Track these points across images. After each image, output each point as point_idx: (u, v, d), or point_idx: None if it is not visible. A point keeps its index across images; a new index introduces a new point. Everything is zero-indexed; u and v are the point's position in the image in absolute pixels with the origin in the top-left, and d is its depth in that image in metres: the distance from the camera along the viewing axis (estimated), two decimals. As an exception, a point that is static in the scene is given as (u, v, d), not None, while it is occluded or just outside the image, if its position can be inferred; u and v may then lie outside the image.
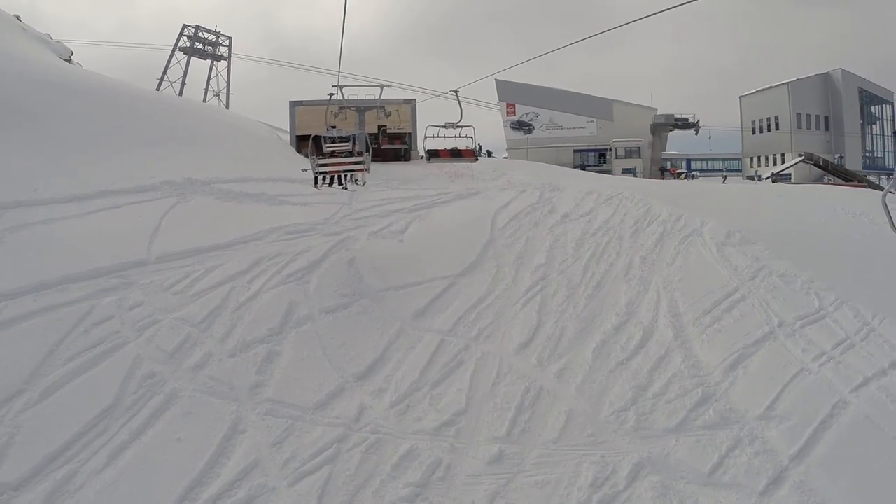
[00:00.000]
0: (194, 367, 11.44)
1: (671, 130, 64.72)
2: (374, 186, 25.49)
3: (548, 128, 66.26)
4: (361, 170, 18.32)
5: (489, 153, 60.21)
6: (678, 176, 59.56)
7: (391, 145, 40.75)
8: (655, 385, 11.77)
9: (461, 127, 16.87)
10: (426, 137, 16.93)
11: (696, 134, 63.52)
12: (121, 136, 24.75)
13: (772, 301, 14.58)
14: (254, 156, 29.67)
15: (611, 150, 64.06)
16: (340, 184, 19.41)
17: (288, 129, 41.24)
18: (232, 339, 12.35)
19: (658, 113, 64.36)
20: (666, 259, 16.92)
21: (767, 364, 12.32)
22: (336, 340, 12.83)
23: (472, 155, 17.55)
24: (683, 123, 62.59)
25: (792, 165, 59.81)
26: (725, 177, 57.30)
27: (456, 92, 16.92)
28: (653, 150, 62.85)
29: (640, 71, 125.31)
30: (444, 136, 16.79)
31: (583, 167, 58.70)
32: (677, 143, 70.22)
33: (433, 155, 17.33)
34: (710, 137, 68.78)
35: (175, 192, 20.47)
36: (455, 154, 17.38)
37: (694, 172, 65.27)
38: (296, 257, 16.11)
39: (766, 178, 57.00)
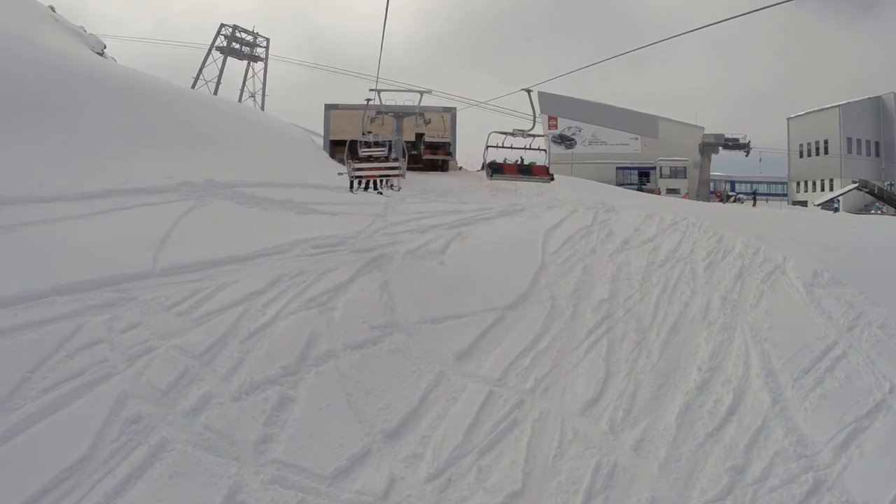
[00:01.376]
0: (189, 412, 9.32)
1: (719, 151, 61.82)
2: (411, 198, 23.69)
3: (590, 143, 63.66)
4: (397, 175, 18.11)
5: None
6: (726, 199, 56.57)
7: (433, 156, 39.13)
8: (755, 466, 9.42)
9: (533, 136, 14.20)
10: (487, 147, 13.91)
11: (747, 155, 60.52)
12: (145, 132, 23.30)
13: (877, 359, 12.09)
14: (284, 159, 28.07)
15: (655, 168, 61.54)
16: (376, 188, 19.34)
17: (322, 133, 39.89)
18: (238, 377, 10.20)
19: (707, 132, 61.61)
20: (749, 300, 14.47)
21: (885, 443, 9.88)
22: (362, 385, 10.61)
23: (545, 173, 14.47)
24: (734, 144, 59.52)
25: (846, 192, 56.84)
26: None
27: (528, 91, 13.88)
28: (701, 170, 59.87)
29: (680, 88, 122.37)
30: (512, 147, 14.23)
31: (639, 187, 56.01)
32: (720, 164, 67.50)
33: (496, 170, 14.24)
34: (760, 160, 66.02)
35: (193, 194, 18.66)
36: (524, 171, 14.47)
37: (739, 195, 62.28)
38: (320, 277, 13.99)
39: (817, 206, 53.99)
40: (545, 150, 14.19)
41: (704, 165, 59.81)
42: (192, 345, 10.75)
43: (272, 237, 15.99)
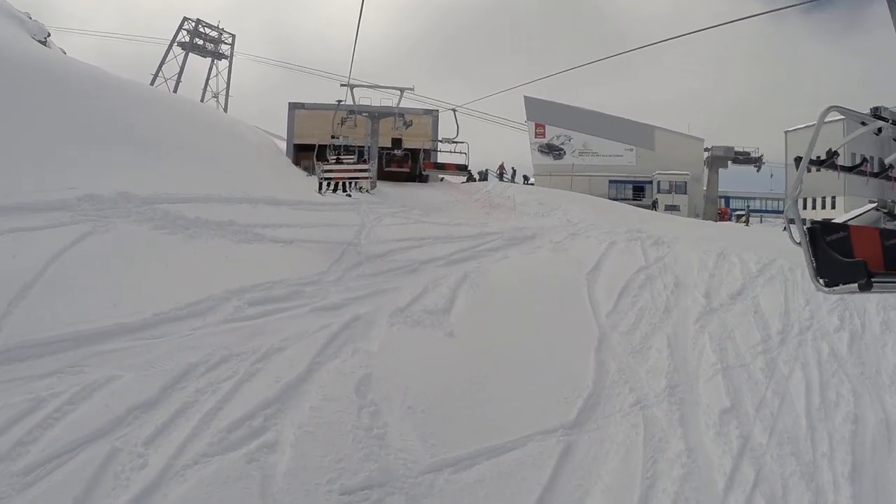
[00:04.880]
0: None
1: (728, 165, 56.28)
2: (389, 217, 18.80)
3: (581, 153, 58.00)
4: (366, 178, 20.66)
5: (526, 179, 52.11)
6: (738, 219, 51.11)
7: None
8: None
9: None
10: (804, 174, 6.21)
11: (758, 171, 54.99)
12: (73, 130, 18.15)
13: None
14: (237, 166, 23.03)
15: (652, 183, 56.24)
16: (345, 191, 20.85)
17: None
18: None
19: (715, 145, 56.18)
20: (944, 405, 9.13)
21: None
22: None
23: None
24: (745, 158, 54.07)
25: (863, 213, 51.94)
26: None
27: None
28: (708, 186, 54.23)
29: (658, 100, 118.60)
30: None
31: (649, 204, 49.96)
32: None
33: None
34: (771, 176, 60.87)
35: (96, 213, 13.17)
36: None
37: (741, 214, 57.11)
38: (257, 368, 8.27)
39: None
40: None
41: (712, 181, 53.93)
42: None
43: (192, 285, 10.51)
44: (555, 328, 11.08)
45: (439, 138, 31.44)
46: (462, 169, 31.96)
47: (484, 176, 44.62)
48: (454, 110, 29.51)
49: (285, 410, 7.40)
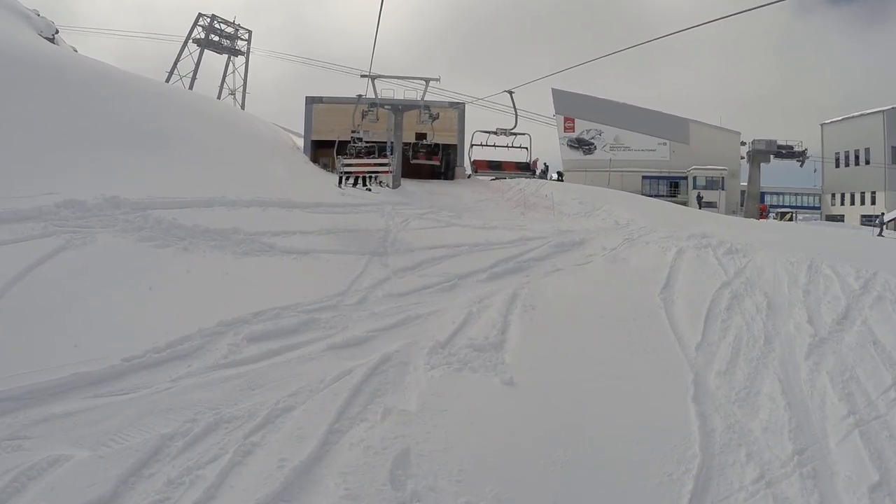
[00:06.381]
0: None
1: (770, 160, 53.02)
2: (417, 219, 16.85)
3: (612, 148, 55.92)
4: (387, 171, 20.84)
5: (561, 175, 49.30)
6: (781, 217, 48.21)
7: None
8: None
9: None
10: None
11: (802, 165, 51.82)
12: (63, 127, 16.68)
13: None
14: (248, 165, 21.25)
15: (688, 178, 53.77)
16: (365, 185, 21.15)
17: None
18: None
19: (756, 139, 53.07)
20: None
21: None
22: None
23: None
24: (788, 152, 51.04)
25: (916, 210, 48.87)
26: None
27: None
28: (750, 182, 50.84)
29: (683, 90, 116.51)
30: None
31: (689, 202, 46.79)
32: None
33: None
34: (815, 171, 58.24)
35: (75, 222, 11.28)
36: None
37: (784, 210, 54.34)
38: (254, 442, 6.03)
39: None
40: None
41: (754, 176, 50.47)
42: None
43: (179, 315, 8.53)
44: (636, 368, 8.82)
45: (494, 130, 26.03)
46: (525, 169, 27.13)
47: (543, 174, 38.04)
48: (510, 92, 24.41)
49: (294, 511, 5.19)
